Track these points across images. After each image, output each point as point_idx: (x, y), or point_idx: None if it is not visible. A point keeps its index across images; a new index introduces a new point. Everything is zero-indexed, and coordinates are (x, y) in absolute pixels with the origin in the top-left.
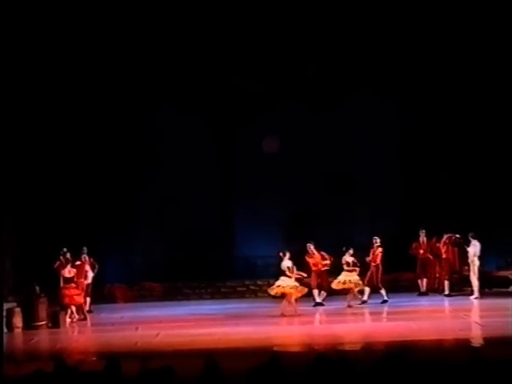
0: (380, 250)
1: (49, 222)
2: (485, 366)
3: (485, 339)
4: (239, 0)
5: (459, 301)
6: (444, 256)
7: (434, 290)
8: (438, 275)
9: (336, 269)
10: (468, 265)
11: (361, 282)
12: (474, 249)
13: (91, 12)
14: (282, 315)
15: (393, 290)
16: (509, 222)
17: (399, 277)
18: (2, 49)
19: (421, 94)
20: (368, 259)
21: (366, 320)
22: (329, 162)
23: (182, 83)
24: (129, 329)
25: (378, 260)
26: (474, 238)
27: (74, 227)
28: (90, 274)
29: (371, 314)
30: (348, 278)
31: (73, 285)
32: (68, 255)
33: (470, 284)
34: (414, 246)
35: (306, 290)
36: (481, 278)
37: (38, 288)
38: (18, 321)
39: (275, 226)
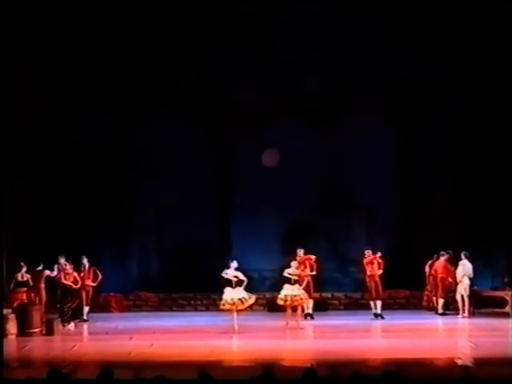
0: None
1: (46, 231)
2: None
3: (478, 359)
4: (240, 12)
5: (454, 320)
6: (440, 275)
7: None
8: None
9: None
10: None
11: (305, 296)
12: (463, 268)
13: (84, 17)
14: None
15: (389, 307)
16: (505, 242)
17: (396, 294)
18: None
19: (419, 108)
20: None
21: (360, 336)
22: (327, 177)
23: (181, 95)
24: (123, 338)
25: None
26: (466, 258)
27: (71, 236)
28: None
29: (365, 330)
30: (292, 292)
31: (24, 289)
32: (67, 264)
33: (462, 303)
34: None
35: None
36: (471, 298)
37: (32, 295)
38: (12, 327)
39: (272, 239)
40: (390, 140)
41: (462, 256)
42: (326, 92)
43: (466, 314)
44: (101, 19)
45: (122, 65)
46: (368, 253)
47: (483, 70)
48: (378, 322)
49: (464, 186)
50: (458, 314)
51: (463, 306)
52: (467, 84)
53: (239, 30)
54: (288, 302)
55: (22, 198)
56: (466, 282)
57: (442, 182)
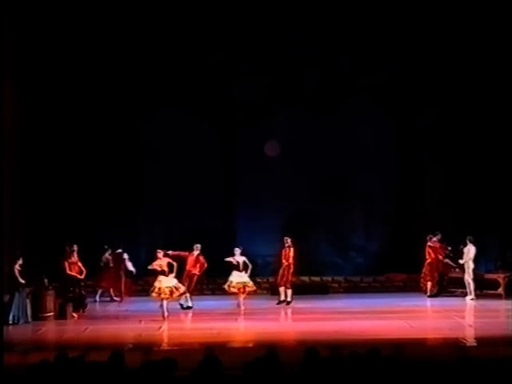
0: (292, 250)
1: (58, 219)
2: (473, 365)
3: (474, 339)
4: (243, 5)
5: (450, 301)
6: (428, 259)
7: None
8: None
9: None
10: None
11: (251, 283)
12: (468, 252)
13: (91, 15)
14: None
15: (387, 290)
16: (498, 228)
17: (393, 277)
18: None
19: (417, 100)
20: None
21: (359, 318)
22: (327, 167)
23: (188, 91)
24: (133, 321)
25: (291, 259)
26: (471, 242)
27: (82, 225)
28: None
29: (364, 312)
30: (241, 280)
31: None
32: (74, 253)
33: (463, 286)
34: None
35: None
36: (475, 280)
37: (46, 281)
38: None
39: (274, 226)
40: (386, 131)
41: (467, 240)
42: (325, 85)
43: (473, 295)
44: (110, 27)
45: (132, 65)
46: (286, 240)
47: (475, 68)
48: (376, 305)
49: (458, 177)
50: (452, 295)
51: (470, 288)
52: (460, 79)
53: (241, 27)
54: (241, 290)
55: (37, 189)
56: (471, 265)
57: (437, 171)
